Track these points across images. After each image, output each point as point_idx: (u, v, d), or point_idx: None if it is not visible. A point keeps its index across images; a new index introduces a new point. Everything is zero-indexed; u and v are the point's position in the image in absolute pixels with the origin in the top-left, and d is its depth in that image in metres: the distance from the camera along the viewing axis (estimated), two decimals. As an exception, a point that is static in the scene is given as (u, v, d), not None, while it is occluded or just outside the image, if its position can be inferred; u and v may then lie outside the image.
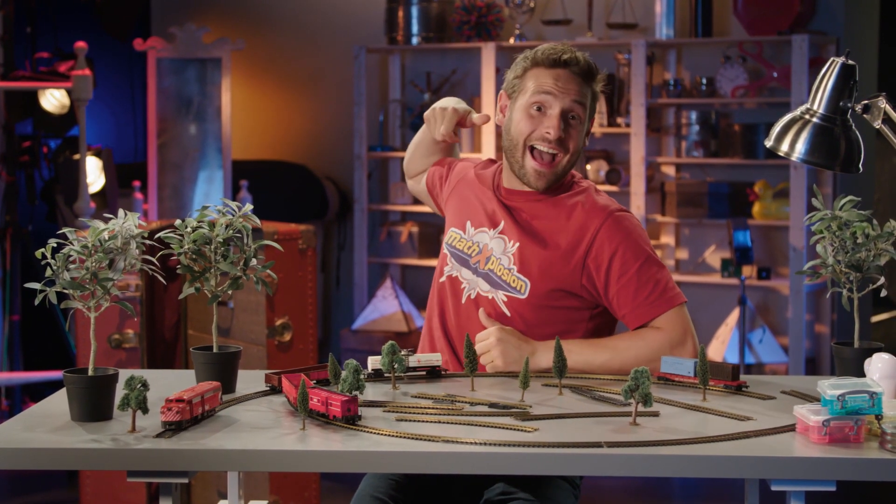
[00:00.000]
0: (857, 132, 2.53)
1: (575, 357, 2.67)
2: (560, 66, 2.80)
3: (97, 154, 6.09)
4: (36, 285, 2.32)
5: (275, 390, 2.56)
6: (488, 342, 2.75)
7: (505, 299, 2.84)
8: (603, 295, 2.80)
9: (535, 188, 2.85)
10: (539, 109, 2.81)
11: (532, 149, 2.82)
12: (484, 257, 2.87)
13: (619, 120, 6.56)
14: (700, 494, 5.40)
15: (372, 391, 2.57)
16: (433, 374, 2.70)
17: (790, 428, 2.25)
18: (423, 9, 6.87)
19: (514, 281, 2.83)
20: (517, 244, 2.84)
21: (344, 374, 2.36)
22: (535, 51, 2.84)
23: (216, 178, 6.56)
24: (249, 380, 2.65)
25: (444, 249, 2.99)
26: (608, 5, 6.73)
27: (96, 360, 2.33)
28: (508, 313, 2.83)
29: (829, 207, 2.51)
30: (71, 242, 2.32)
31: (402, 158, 7.23)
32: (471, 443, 2.16)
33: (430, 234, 6.95)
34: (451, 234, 2.98)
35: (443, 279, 2.95)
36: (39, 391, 5.90)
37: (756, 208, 6.29)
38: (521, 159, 2.84)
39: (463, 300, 2.89)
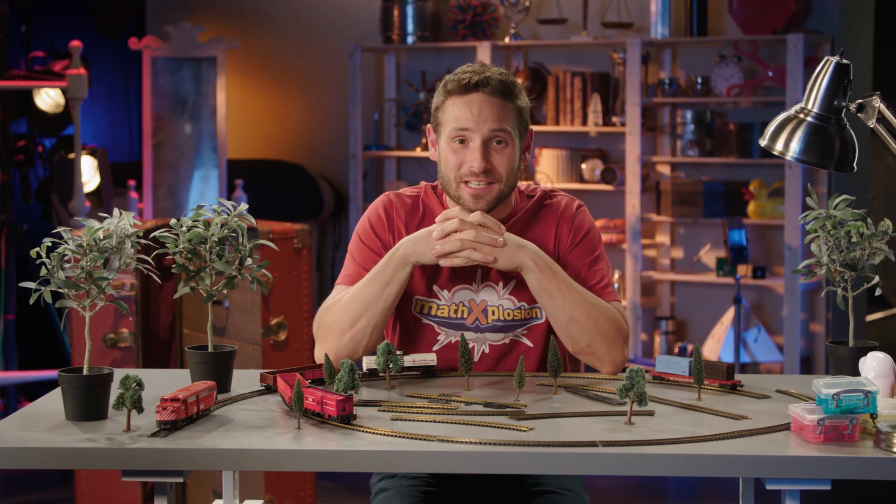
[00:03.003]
0: (852, 131, 2.53)
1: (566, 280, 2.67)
2: (472, 90, 2.69)
3: (92, 153, 6.08)
4: (31, 284, 2.31)
5: (270, 390, 2.56)
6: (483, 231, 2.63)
7: (526, 332, 2.78)
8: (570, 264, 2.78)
9: (475, 210, 2.71)
10: (461, 142, 2.71)
11: (466, 182, 2.72)
12: (479, 312, 2.77)
13: (615, 119, 6.56)
14: (695, 493, 5.40)
15: (367, 391, 2.57)
16: (428, 373, 2.70)
17: (785, 427, 2.26)
18: (418, 8, 6.87)
19: (528, 313, 2.77)
20: (512, 282, 2.77)
21: (339, 373, 2.36)
22: (447, 80, 2.74)
23: (211, 177, 6.55)
24: (244, 379, 2.65)
25: (420, 318, 2.78)
26: (603, 4, 6.73)
27: (91, 359, 2.33)
28: (532, 344, 2.78)
29: (824, 206, 2.51)
30: (66, 241, 2.31)
31: (398, 158, 7.30)
32: (466, 442, 2.16)
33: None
34: (420, 303, 2.78)
35: (437, 347, 2.77)
36: (34, 390, 5.90)
37: (751, 207, 6.30)
38: (457, 191, 2.74)
39: (477, 357, 2.76)
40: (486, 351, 2.78)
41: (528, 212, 2.84)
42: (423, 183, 2.90)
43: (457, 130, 2.71)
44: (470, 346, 2.72)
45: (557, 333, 2.70)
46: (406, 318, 2.80)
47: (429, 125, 2.82)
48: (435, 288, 2.78)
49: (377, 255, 2.76)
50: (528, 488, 2.69)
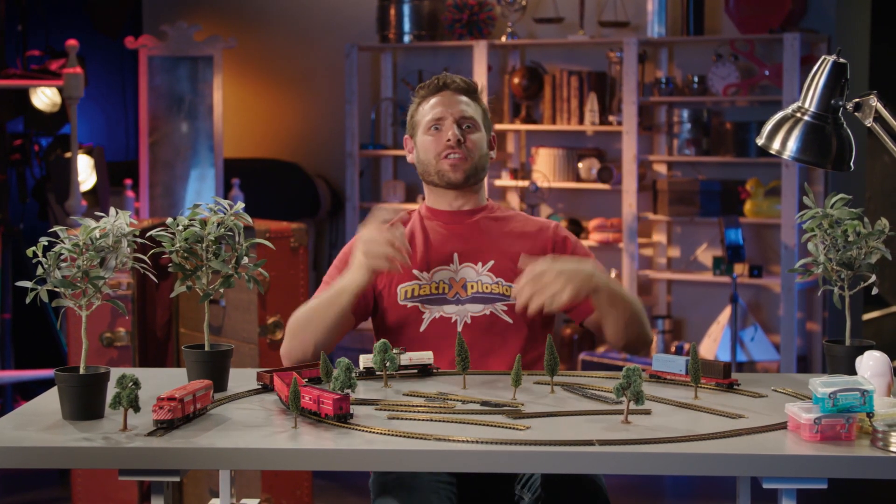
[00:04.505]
0: (849, 130, 2.53)
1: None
2: (441, 89, 3.03)
3: (89, 152, 6.08)
4: (27, 283, 2.31)
5: (266, 388, 2.56)
6: (546, 271, 2.69)
7: (505, 308, 2.91)
8: None
9: (455, 181, 2.97)
10: (437, 129, 2.99)
11: (445, 157, 2.98)
12: (459, 287, 2.93)
13: (611, 118, 6.56)
14: (692, 492, 5.40)
15: (364, 389, 2.58)
16: (425, 372, 2.71)
17: (782, 426, 2.26)
18: (414, 7, 6.87)
19: (506, 290, 2.90)
20: (490, 262, 2.94)
21: (336, 372, 2.36)
22: (418, 88, 3.08)
23: (208, 176, 6.55)
24: (241, 378, 2.65)
25: (404, 304, 2.90)
26: (600, 3, 6.73)
27: (88, 358, 2.33)
28: (511, 320, 2.90)
29: (821, 205, 2.51)
30: (62, 241, 2.31)
31: (394, 157, 7.30)
32: (462, 441, 2.16)
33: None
34: (403, 290, 2.92)
35: (423, 328, 2.90)
36: (31, 390, 5.89)
37: (748, 206, 6.30)
38: (436, 167, 2.99)
39: (460, 328, 2.88)
40: (469, 322, 2.89)
41: (501, 212, 3.06)
42: (401, 214, 3.10)
43: (432, 120, 3.00)
44: (452, 319, 2.89)
45: (617, 334, 2.88)
46: (393, 309, 2.92)
47: (406, 135, 3.10)
48: (414, 271, 2.93)
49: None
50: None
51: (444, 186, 3.00)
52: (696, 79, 6.43)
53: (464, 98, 3.02)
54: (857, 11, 6.74)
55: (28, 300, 2.31)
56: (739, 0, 6.34)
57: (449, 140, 2.96)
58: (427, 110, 3.02)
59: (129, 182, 6.33)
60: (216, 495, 2.99)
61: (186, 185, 6.57)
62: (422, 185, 3.10)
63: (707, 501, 5.28)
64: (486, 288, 2.91)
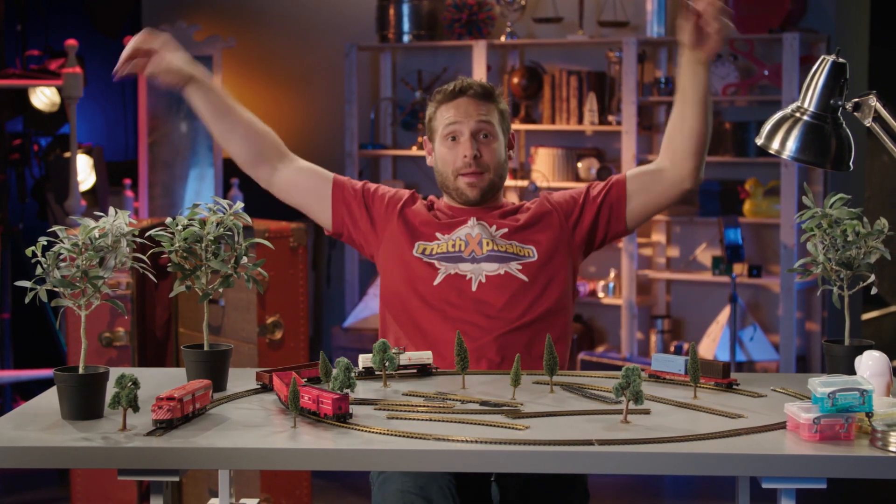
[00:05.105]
0: (848, 130, 2.53)
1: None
2: (458, 95, 3.07)
3: (88, 152, 6.08)
4: (26, 283, 2.31)
5: (266, 388, 2.56)
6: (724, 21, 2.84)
7: (520, 267, 3.00)
8: (588, 210, 3.08)
9: (473, 199, 3.07)
10: (453, 139, 3.06)
11: (462, 174, 3.06)
12: (475, 245, 3.01)
13: (611, 118, 6.56)
14: (691, 492, 5.40)
15: (363, 389, 2.57)
16: (424, 371, 2.71)
17: (781, 426, 2.26)
18: (414, 7, 6.87)
19: (520, 250, 3.01)
20: (504, 229, 3.04)
21: (335, 372, 2.36)
22: (435, 93, 3.13)
23: (207, 175, 6.55)
24: (240, 378, 2.65)
25: (421, 259, 3.02)
26: (599, 3, 6.73)
27: (87, 358, 2.33)
28: (527, 278, 2.98)
29: (820, 205, 2.51)
30: (61, 240, 2.31)
31: (393, 157, 7.29)
32: (462, 440, 2.16)
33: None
34: (420, 247, 3.04)
35: (437, 282, 2.98)
36: (30, 389, 5.89)
37: (747, 206, 6.30)
38: (454, 183, 3.07)
39: (474, 288, 2.97)
40: (483, 281, 2.97)
41: (517, 206, 3.14)
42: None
43: (448, 127, 3.06)
44: (467, 277, 2.97)
45: (696, 113, 2.95)
46: (408, 261, 3.02)
47: (424, 136, 3.17)
48: (437, 233, 3.04)
49: (360, 206, 3.10)
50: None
51: (462, 203, 3.09)
52: (695, 79, 6.43)
53: (482, 103, 3.06)
54: (857, 11, 6.74)
55: (27, 300, 2.31)
56: (739, 0, 6.34)
57: (465, 156, 3.03)
58: (444, 118, 3.07)
59: (128, 182, 6.33)
60: (215, 495, 2.99)
61: (186, 185, 6.57)
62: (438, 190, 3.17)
63: (706, 501, 5.28)
64: (501, 247, 3.00)
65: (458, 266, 2.99)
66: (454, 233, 3.04)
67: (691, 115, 2.96)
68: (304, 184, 3.21)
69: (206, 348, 2.56)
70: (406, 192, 3.15)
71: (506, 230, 3.04)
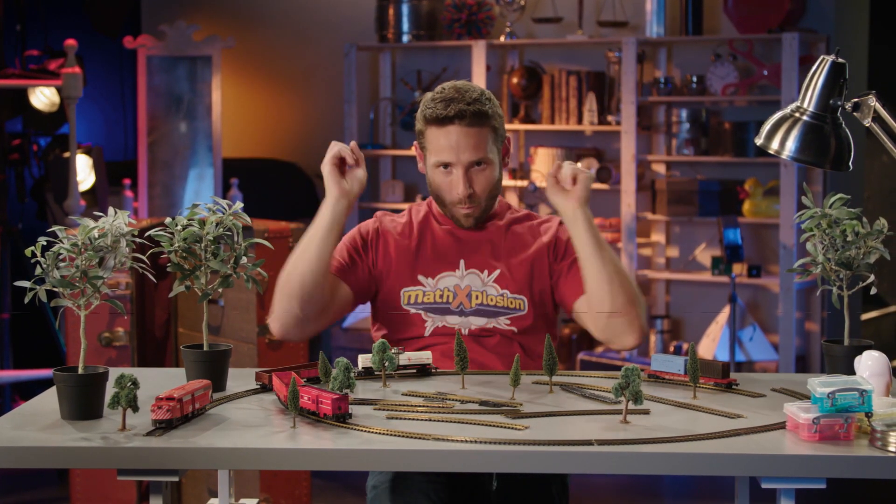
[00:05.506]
0: (847, 130, 2.53)
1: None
2: (449, 122, 2.83)
3: (87, 152, 6.08)
4: (26, 283, 2.31)
5: (265, 388, 2.56)
6: (579, 169, 2.79)
7: (508, 322, 2.89)
8: (556, 272, 2.91)
9: (466, 226, 2.93)
10: (446, 167, 2.87)
11: (455, 205, 2.90)
12: (464, 297, 2.90)
13: (610, 118, 6.56)
14: (690, 492, 5.40)
15: (362, 389, 2.57)
16: (423, 372, 2.71)
17: (780, 426, 2.26)
18: (413, 7, 6.87)
19: (511, 303, 2.89)
20: (496, 271, 2.91)
21: (334, 372, 2.36)
22: (424, 105, 2.88)
23: (206, 175, 6.55)
24: (240, 378, 2.65)
25: (408, 309, 2.89)
26: (599, 3, 6.73)
27: (86, 358, 2.33)
28: (517, 329, 2.88)
29: (819, 205, 2.51)
30: (61, 240, 2.31)
31: (393, 157, 7.29)
32: (461, 441, 2.16)
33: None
34: (406, 294, 2.90)
35: (427, 333, 2.88)
36: (29, 389, 5.89)
37: (746, 206, 6.30)
38: (449, 209, 2.92)
39: (465, 332, 2.88)
40: (473, 328, 2.88)
41: (512, 214, 3.01)
42: (411, 205, 3.06)
43: (440, 157, 2.86)
44: (456, 327, 2.86)
45: (598, 291, 2.77)
46: (394, 312, 2.90)
47: (415, 143, 2.96)
48: (420, 277, 2.91)
49: (353, 257, 2.92)
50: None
51: (454, 224, 2.95)
52: (694, 79, 6.43)
53: (474, 131, 2.82)
54: (856, 11, 6.74)
55: (27, 300, 2.31)
56: (738, 0, 6.34)
57: (458, 194, 2.85)
58: (435, 144, 2.85)
59: (127, 182, 6.32)
60: (215, 495, 2.99)
61: (185, 185, 6.57)
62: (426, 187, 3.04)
63: (706, 501, 5.28)
64: (491, 300, 2.89)
65: (446, 318, 2.88)
66: (441, 279, 2.90)
67: (591, 282, 2.79)
68: (342, 304, 2.94)
69: (205, 348, 2.56)
70: (365, 229, 2.96)
71: (499, 272, 2.90)
